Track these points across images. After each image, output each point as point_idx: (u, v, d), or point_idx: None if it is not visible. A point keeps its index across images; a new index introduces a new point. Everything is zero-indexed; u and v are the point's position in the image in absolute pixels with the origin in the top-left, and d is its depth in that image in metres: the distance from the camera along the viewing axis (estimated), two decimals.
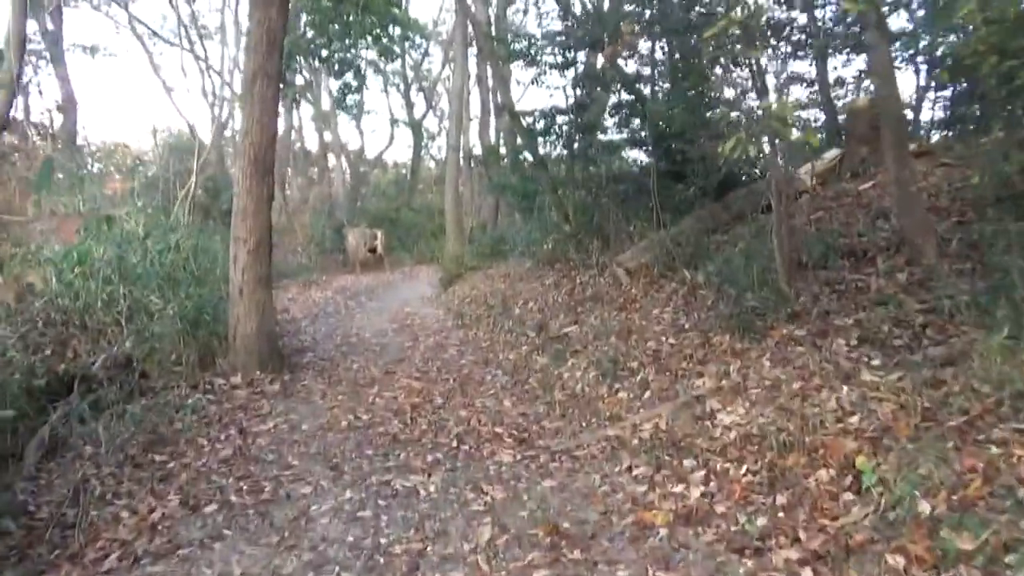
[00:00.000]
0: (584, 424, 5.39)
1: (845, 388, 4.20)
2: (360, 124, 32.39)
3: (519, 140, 12.49)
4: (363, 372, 7.54)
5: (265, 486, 4.44)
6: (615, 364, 6.09)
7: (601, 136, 10.75)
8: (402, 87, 32.46)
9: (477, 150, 27.32)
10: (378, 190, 30.13)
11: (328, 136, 30.11)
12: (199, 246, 9.21)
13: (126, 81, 59.01)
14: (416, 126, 31.53)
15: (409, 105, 32.48)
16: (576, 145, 10.72)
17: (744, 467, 3.95)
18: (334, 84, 23.71)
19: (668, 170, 9.26)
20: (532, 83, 11.97)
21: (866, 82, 12.49)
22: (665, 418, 4.83)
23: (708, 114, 9.09)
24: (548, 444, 5.03)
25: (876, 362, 4.45)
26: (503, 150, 19.80)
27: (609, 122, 10.74)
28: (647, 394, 5.47)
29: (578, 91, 10.81)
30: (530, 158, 11.77)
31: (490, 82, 25.02)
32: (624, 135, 10.57)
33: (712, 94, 9.42)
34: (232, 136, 31.81)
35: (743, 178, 9.82)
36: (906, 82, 13.57)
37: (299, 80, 30.29)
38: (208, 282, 8.16)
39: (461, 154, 22.06)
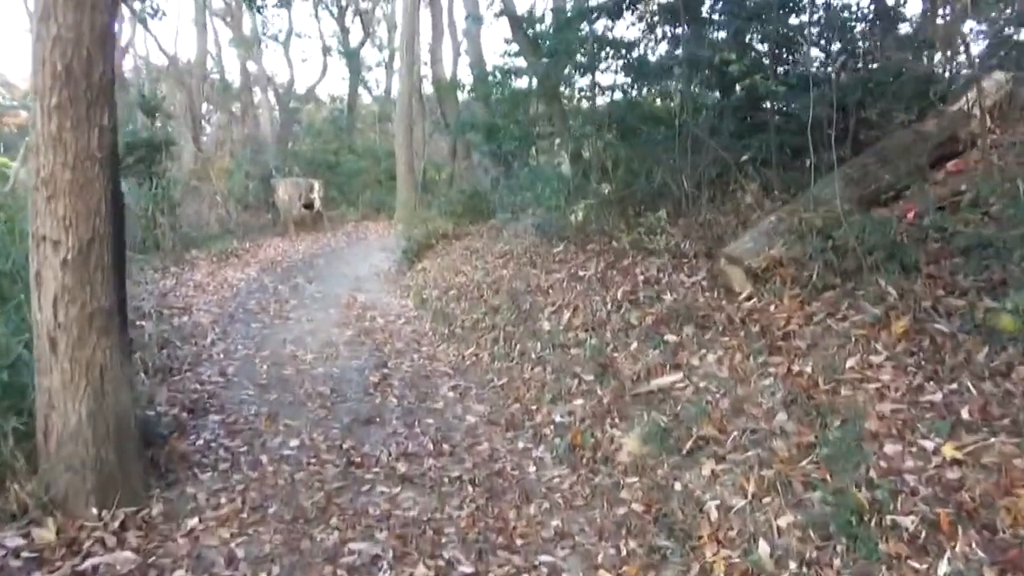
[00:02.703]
0: None
1: None
2: (288, 52, 27.96)
3: (514, 60, 8.97)
4: (306, 471, 4.19)
5: None
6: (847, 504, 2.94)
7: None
8: (335, 10, 28.00)
9: (427, 83, 23.56)
10: (312, 130, 25.92)
11: (252, 66, 25.61)
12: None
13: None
14: (353, 55, 27.24)
15: (344, 31, 28.11)
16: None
17: None
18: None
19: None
20: None
21: None
22: None
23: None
24: None
25: None
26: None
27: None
28: None
29: None
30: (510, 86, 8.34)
31: None
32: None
33: None
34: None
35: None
36: None
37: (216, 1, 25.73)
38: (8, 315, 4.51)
39: (416, 80, 18.28)
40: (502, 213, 9.76)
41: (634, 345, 5.00)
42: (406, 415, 5.19)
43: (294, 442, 4.58)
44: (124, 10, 23.86)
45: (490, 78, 11.41)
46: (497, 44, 55.36)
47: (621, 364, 4.85)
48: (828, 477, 3.13)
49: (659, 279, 5.74)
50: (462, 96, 18.71)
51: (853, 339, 3.88)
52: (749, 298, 4.80)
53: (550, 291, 6.53)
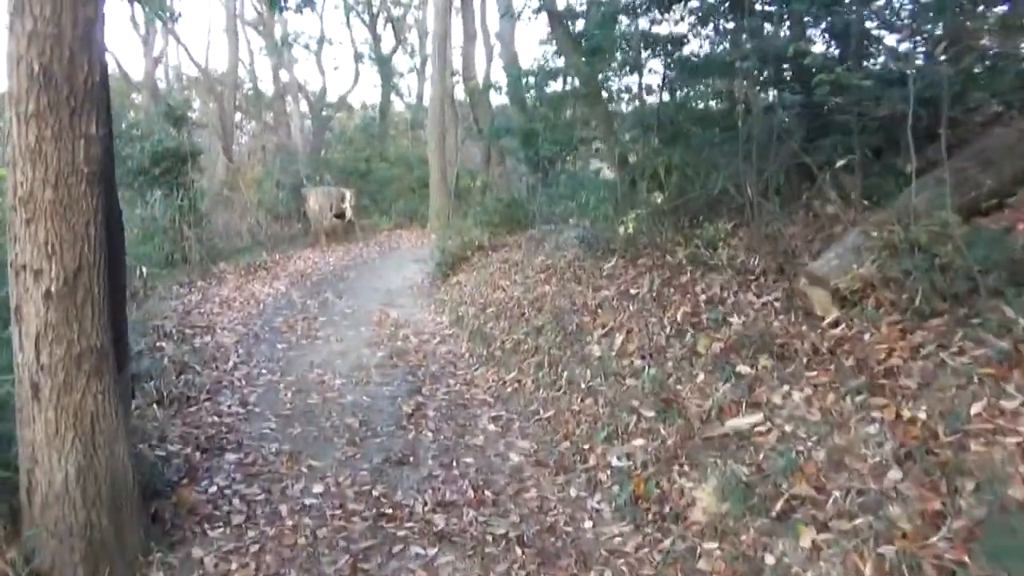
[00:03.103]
0: None
1: None
2: (320, 60, 27.76)
3: (560, 60, 8.40)
4: (330, 526, 3.66)
5: None
6: None
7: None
8: (367, 17, 27.78)
9: (459, 89, 23.16)
10: (344, 137, 25.64)
11: (284, 75, 25.44)
12: None
13: None
14: (384, 62, 26.98)
15: (376, 38, 27.87)
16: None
17: None
18: (287, 13, 19.09)
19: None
20: None
21: None
22: None
23: None
24: None
25: None
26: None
27: None
28: None
29: None
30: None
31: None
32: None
33: None
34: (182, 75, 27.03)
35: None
36: None
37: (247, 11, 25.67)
38: None
39: (449, 85, 17.82)
40: (542, 224, 9.18)
41: (700, 377, 4.39)
42: (443, 453, 4.65)
43: (318, 488, 4.06)
44: (157, 23, 24.05)
45: (526, 80, 10.84)
46: (532, 47, 54.91)
47: (686, 399, 4.25)
48: (967, 559, 2.51)
49: (723, 299, 5.12)
50: (496, 99, 18.22)
51: (976, 379, 3.23)
52: (835, 324, 4.17)
53: (599, 311, 5.94)
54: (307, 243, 14.52)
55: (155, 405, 5.07)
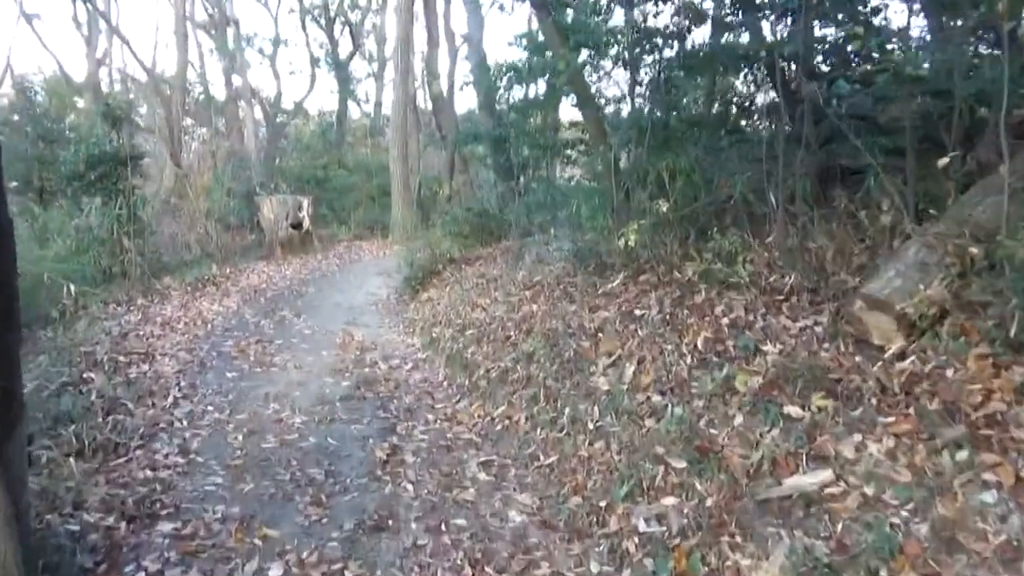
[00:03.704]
0: None
1: None
2: (275, 65, 26.65)
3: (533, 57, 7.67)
4: None
5: None
6: None
7: None
8: (323, 21, 26.80)
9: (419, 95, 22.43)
10: (300, 144, 24.58)
11: (237, 79, 24.24)
12: None
13: None
14: (342, 67, 26.03)
15: (333, 43, 26.90)
16: None
17: None
18: (240, 16, 18.08)
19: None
20: None
21: None
22: None
23: None
24: None
25: None
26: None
27: None
28: None
29: None
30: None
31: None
32: None
33: None
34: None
35: None
36: None
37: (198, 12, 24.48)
38: None
39: (411, 90, 17.03)
40: (526, 235, 8.43)
41: (738, 419, 3.67)
42: (428, 513, 3.84)
43: (275, 570, 3.22)
44: (101, 23, 22.70)
45: (504, 77, 10.06)
46: (501, 49, 54.00)
47: (726, 447, 3.52)
48: None
49: (749, 323, 4.43)
50: (461, 105, 17.49)
51: None
52: (902, 356, 3.49)
53: (599, 334, 5.20)
54: (261, 255, 13.52)
55: (73, 457, 4.15)
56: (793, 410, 3.51)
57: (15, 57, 48.84)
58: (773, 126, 4.95)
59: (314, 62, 26.28)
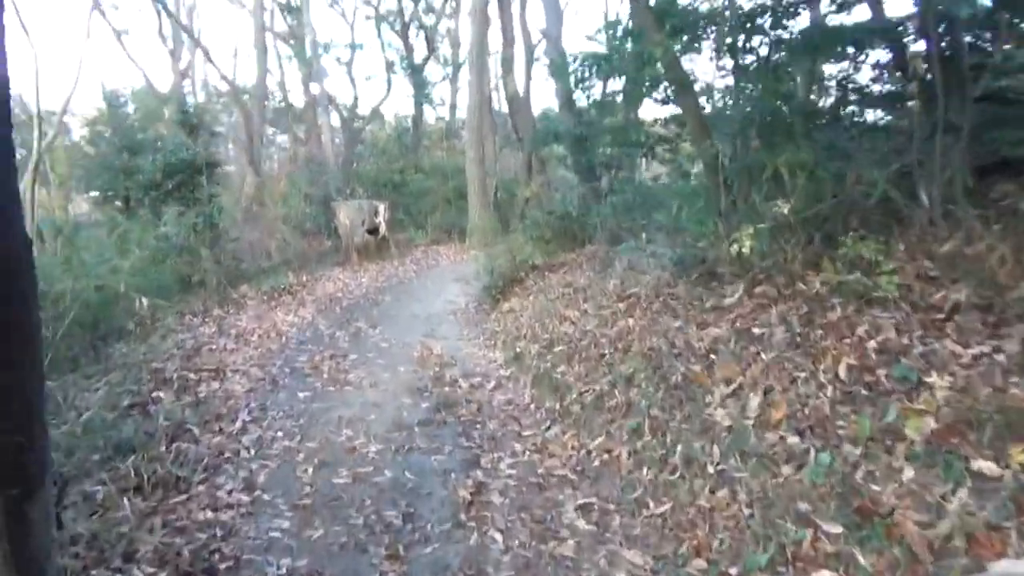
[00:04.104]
0: None
1: None
2: (351, 72, 26.75)
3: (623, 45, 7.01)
4: None
5: None
6: None
7: None
8: (399, 26, 26.75)
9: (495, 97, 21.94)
10: (376, 149, 24.54)
11: (315, 87, 24.41)
12: None
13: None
14: (417, 72, 25.89)
15: (408, 48, 26.81)
16: None
17: None
18: (317, 25, 18.05)
19: None
20: None
21: None
22: None
23: None
24: None
25: None
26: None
27: None
28: None
29: None
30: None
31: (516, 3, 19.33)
32: None
33: None
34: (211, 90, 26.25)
35: None
36: None
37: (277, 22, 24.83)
38: None
39: (487, 92, 16.59)
40: (614, 240, 7.78)
41: (908, 473, 2.94)
42: (520, 572, 3.27)
43: None
44: (183, 36, 23.26)
45: (585, 70, 9.41)
46: (580, 44, 53.21)
47: (896, 510, 2.81)
48: None
49: (905, 347, 3.66)
50: (536, 106, 16.90)
51: None
52: None
53: (711, 356, 4.51)
54: (337, 261, 13.32)
55: (130, 494, 3.78)
56: (985, 465, 2.77)
57: (105, 74, 50.84)
58: (923, 113, 4.14)
59: (389, 67, 26.31)
